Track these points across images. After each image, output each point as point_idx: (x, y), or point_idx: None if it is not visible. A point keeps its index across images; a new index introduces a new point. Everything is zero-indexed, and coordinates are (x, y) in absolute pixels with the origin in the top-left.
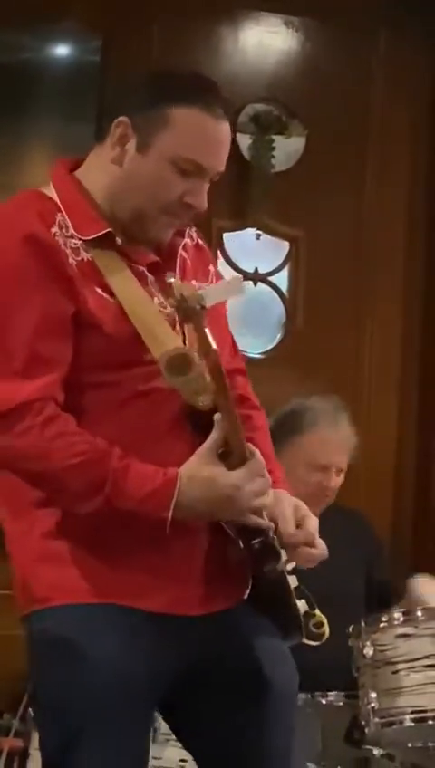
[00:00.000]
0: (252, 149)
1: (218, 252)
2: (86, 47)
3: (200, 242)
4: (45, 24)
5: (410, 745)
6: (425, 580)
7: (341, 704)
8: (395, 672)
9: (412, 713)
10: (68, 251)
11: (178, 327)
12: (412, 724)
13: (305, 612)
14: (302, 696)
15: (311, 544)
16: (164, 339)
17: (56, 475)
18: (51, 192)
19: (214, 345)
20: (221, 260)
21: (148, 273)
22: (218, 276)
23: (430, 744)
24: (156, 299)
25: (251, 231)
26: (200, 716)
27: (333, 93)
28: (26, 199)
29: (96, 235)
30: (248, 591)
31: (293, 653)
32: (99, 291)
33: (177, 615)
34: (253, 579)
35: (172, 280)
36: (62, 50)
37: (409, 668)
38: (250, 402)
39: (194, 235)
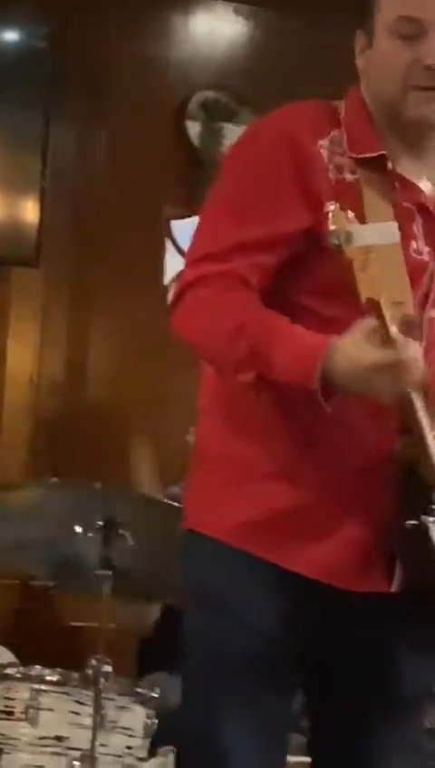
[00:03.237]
0: (202, 137)
1: (167, 239)
2: (35, 34)
3: None
4: None
5: None
6: None
7: None
8: None
9: None
10: (331, 166)
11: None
12: None
13: None
14: None
15: None
16: (394, 292)
17: (215, 343)
18: (341, 105)
19: (367, 293)
20: (170, 247)
21: (418, 214)
22: None
23: None
24: (413, 243)
25: None
26: (328, 717)
27: (284, 81)
28: (307, 106)
29: (367, 155)
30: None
31: None
32: (351, 216)
33: (337, 588)
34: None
35: (331, 207)
36: (10, 36)
37: None
38: None
39: None
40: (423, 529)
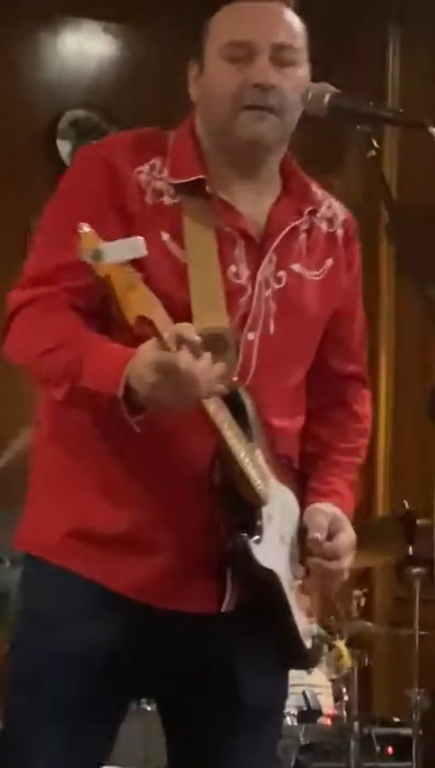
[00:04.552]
0: (73, 156)
1: None
2: None
3: (345, 236)
4: None
5: None
6: None
7: None
8: None
9: None
10: (148, 190)
11: (247, 299)
12: None
13: (321, 637)
14: None
15: (333, 557)
16: (209, 313)
17: (36, 361)
18: (172, 133)
19: (138, 311)
20: None
21: (240, 239)
22: (339, 273)
23: None
24: (232, 267)
25: None
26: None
27: (154, 100)
28: (128, 135)
29: (185, 180)
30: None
31: None
32: (166, 238)
33: (164, 608)
34: (249, 589)
35: (83, 230)
36: None
37: None
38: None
39: (339, 226)
40: (246, 548)
